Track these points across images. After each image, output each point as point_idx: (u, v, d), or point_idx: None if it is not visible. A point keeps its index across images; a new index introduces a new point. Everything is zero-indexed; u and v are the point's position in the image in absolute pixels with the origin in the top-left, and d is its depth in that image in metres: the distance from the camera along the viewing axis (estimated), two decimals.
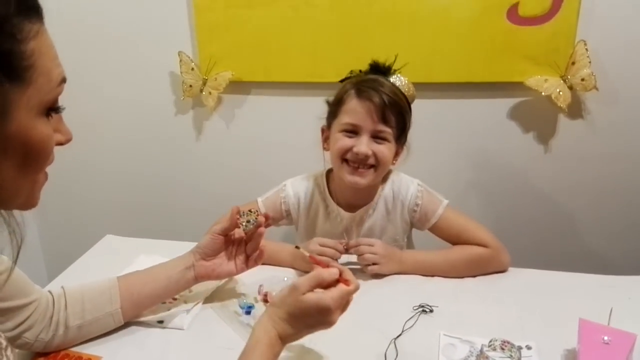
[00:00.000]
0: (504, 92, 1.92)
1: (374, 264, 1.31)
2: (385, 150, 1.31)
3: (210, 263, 1.16)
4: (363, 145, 1.29)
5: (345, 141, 1.32)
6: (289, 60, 1.97)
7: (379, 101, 1.27)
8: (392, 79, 1.34)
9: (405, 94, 1.34)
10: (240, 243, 1.20)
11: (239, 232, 1.17)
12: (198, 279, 1.16)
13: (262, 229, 1.16)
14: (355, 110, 1.31)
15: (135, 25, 2.08)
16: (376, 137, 1.31)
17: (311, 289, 0.91)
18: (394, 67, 1.35)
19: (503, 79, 1.88)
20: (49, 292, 1.06)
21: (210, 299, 1.24)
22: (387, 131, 1.30)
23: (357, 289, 0.95)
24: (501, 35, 1.81)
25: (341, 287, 0.93)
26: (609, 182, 1.95)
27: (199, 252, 1.16)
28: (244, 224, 1.15)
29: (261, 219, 1.16)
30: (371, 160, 1.31)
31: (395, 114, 1.29)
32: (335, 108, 1.36)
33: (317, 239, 1.34)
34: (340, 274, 0.95)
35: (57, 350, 1.05)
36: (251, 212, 1.17)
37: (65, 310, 1.03)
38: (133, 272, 1.15)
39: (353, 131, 1.32)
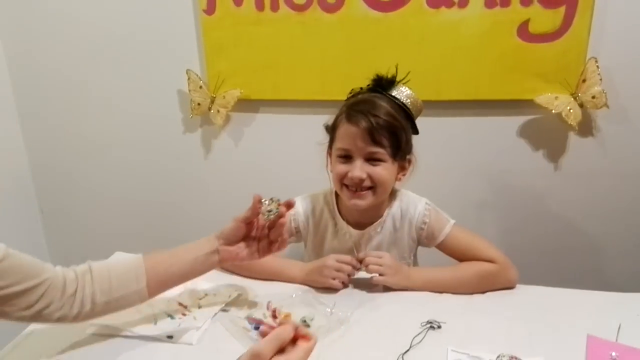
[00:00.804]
0: (514, 110, 1.91)
1: (380, 275, 1.32)
2: (381, 171, 1.32)
3: (234, 248, 1.19)
4: (357, 169, 1.30)
5: (341, 167, 1.34)
6: (298, 78, 1.99)
7: (366, 125, 1.28)
8: (395, 91, 1.34)
9: (409, 105, 1.34)
10: (264, 229, 1.22)
11: (262, 222, 1.20)
12: (222, 262, 1.20)
13: (283, 219, 1.19)
14: (346, 135, 1.32)
15: (143, 43, 2.10)
16: (370, 159, 1.31)
17: (274, 352, 0.84)
18: (398, 79, 1.36)
19: (513, 96, 1.87)
20: (73, 268, 1.07)
21: (219, 315, 1.25)
22: (380, 152, 1.30)
23: (315, 342, 0.89)
24: (511, 53, 1.81)
25: (303, 345, 0.86)
26: (619, 200, 1.93)
27: (222, 238, 1.18)
28: (265, 213, 1.18)
29: (282, 209, 1.18)
30: (367, 183, 1.32)
31: (388, 134, 1.29)
32: (332, 133, 1.39)
33: (334, 255, 1.36)
34: (296, 330, 0.87)
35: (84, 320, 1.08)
36: (273, 200, 1.18)
37: (92, 286, 1.05)
38: (158, 251, 1.17)
39: (347, 156, 1.33)
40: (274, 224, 1.20)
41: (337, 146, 1.35)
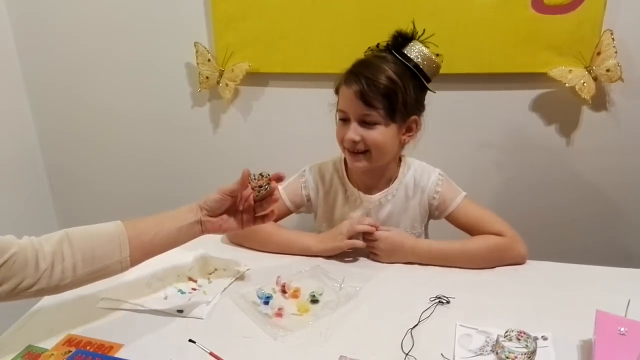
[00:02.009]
0: (527, 84, 1.89)
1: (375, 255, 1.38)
2: (375, 134, 1.31)
3: (217, 219, 1.19)
4: (350, 132, 1.32)
5: (338, 130, 1.37)
6: (307, 50, 1.96)
7: (358, 87, 1.28)
8: (408, 49, 1.32)
9: (422, 64, 1.32)
10: (248, 201, 1.22)
11: (247, 194, 1.21)
12: (205, 232, 1.19)
13: (275, 196, 1.21)
14: (343, 97, 1.34)
15: (151, 16, 2.09)
16: (364, 122, 1.31)
17: None
18: (419, 36, 1.34)
19: (526, 69, 1.84)
20: (47, 238, 1.04)
21: (228, 289, 1.26)
22: (373, 115, 1.30)
23: None
24: (525, 25, 1.77)
25: None
26: (633, 175, 1.91)
27: (205, 208, 1.18)
28: (256, 189, 1.18)
29: (274, 185, 1.19)
30: (360, 147, 1.33)
31: (381, 97, 1.28)
32: (337, 96, 1.39)
33: (346, 221, 1.39)
34: None
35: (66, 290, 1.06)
36: (263, 176, 1.17)
37: (72, 258, 1.02)
38: (140, 219, 1.15)
39: (345, 118, 1.34)
40: (263, 198, 1.21)
41: (339, 108, 1.37)
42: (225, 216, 1.20)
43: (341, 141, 1.36)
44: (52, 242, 1.02)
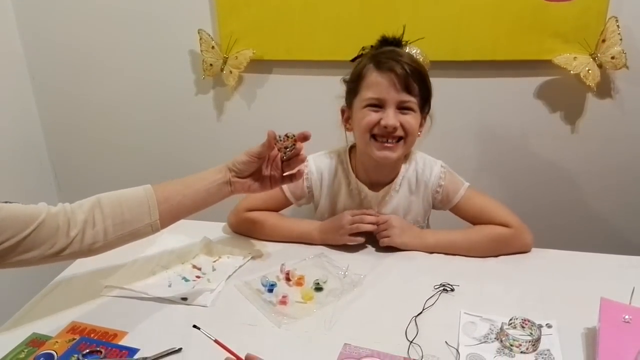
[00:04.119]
0: (532, 71, 1.87)
1: (386, 237, 1.35)
2: (411, 120, 1.29)
3: (245, 180, 1.22)
4: (390, 117, 1.27)
5: (372, 116, 1.29)
6: (312, 37, 1.95)
7: (400, 71, 1.26)
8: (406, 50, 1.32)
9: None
10: (275, 161, 1.24)
11: (274, 155, 1.24)
12: (234, 192, 1.22)
13: (302, 155, 1.23)
14: (377, 83, 1.29)
15: (154, 3, 2.07)
16: (401, 107, 1.29)
17: None
18: (404, 39, 1.34)
19: (531, 57, 1.83)
20: (80, 204, 1.08)
21: (233, 277, 1.26)
22: (412, 100, 1.28)
23: None
24: (530, 11, 1.76)
25: None
26: (637, 164, 1.91)
27: (234, 170, 1.21)
28: (283, 150, 1.21)
29: (300, 145, 1.21)
30: (399, 132, 1.29)
31: (418, 82, 1.27)
32: (355, 85, 1.34)
33: (349, 211, 1.38)
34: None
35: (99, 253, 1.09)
36: (288, 137, 1.21)
37: (103, 223, 1.06)
38: (169, 182, 1.18)
39: (378, 105, 1.30)
40: (289, 158, 1.23)
41: (367, 96, 1.30)
42: (253, 177, 1.23)
43: (370, 129, 1.30)
44: (84, 209, 1.06)
